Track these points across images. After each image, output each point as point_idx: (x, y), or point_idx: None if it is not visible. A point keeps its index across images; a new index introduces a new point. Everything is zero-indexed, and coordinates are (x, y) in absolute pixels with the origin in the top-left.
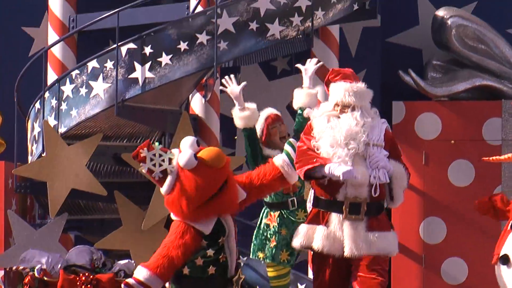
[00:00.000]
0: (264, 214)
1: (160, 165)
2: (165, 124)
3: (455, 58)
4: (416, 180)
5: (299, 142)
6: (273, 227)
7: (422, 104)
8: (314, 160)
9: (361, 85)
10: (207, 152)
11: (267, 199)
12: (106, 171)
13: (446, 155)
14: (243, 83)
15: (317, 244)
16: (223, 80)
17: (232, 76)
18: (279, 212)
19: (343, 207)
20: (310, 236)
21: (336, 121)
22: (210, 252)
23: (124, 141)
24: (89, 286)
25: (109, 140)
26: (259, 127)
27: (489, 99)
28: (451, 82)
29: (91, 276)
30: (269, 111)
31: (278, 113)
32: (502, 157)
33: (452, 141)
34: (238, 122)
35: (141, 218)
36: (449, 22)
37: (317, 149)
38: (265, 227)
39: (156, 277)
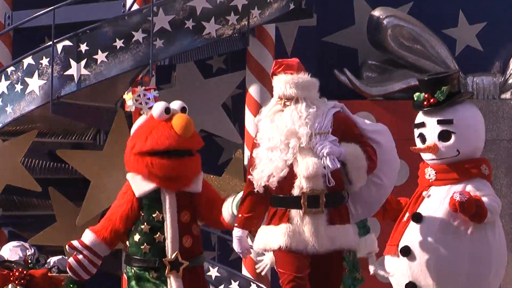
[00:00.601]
0: None
1: (146, 102)
2: (100, 121)
3: (390, 58)
4: None
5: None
6: None
7: (357, 104)
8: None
9: (304, 75)
10: (179, 116)
11: None
12: (41, 167)
13: None
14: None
15: (283, 242)
16: None
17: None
18: None
19: (301, 202)
20: (273, 237)
21: (279, 118)
22: (146, 227)
23: (59, 138)
24: (22, 281)
25: (44, 137)
26: None
27: None
28: (387, 82)
29: (25, 272)
30: None
31: None
32: (422, 146)
33: None
34: None
35: (75, 214)
36: (385, 22)
37: (257, 156)
38: None
39: (100, 241)
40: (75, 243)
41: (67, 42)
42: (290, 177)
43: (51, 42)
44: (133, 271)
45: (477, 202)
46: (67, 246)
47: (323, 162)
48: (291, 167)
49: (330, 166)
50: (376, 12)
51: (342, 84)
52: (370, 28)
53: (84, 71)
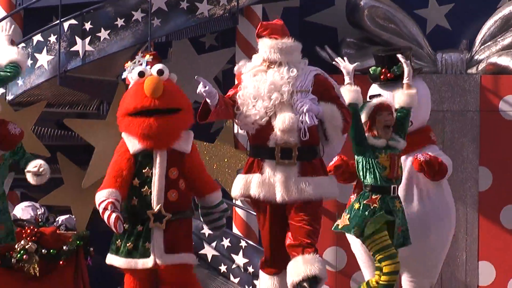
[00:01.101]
0: (363, 195)
1: (140, 64)
2: (103, 93)
3: (367, 36)
4: None
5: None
6: (373, 207)
7: (336, 77)
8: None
9: (287, 40)
10: (149, 79)
11: (367, 181)
12: (49, 135)
13: None
14: (356, 63)
15: (253, 191)
16: (336, 59)
17: (345, 58)
18: (380, 195)
19: (275, 153)
20: (248, 185)
21: (262, 76)
22: (136, 181)
23: (66, 108)
24: (33, 238)
25: (52, 107)
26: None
27: None
28: (363, 58)
29: (35, 229)
30: (382, 99)
31: (390, 103)
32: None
33: None
34: (347, 95)
35: (81, 177)
36: (362, 3)
37: (240, 97)
38: (365, 207)
39: (113, 190)
40: (107, 204)
41: (72, 21)
42: (267, 129)
43: (58, 21)
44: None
45: (438, 160)
46: (102, 209)
47: (302, 118)
48: (269, 120)
49: (308, 122)
50: None
51: (323, 59)
52: (349, 9)
53: (88, 48)
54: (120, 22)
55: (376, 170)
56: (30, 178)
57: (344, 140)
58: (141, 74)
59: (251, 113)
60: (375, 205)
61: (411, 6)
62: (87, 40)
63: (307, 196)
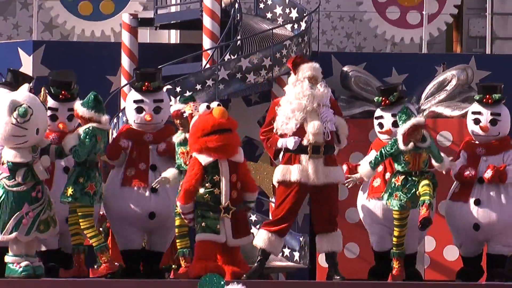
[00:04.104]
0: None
1: (196, 108)
2: None
3: (353, 95)
4: None
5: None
6: (395, 183)
7: None
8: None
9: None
10: (216, 108)
11: (399, 167)
12: None
13: None
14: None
15: (295, 177)
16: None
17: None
18: (404, 176)
19: (308, 149)
20: (287, 172)
21: (302, 88)
22: (208, 184)
23: None
24: None
25: None
26: None
27: (371, 117)
28: (351, 108)
29: None
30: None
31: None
32: (382, 130)
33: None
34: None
35: None
36: (350, 74)
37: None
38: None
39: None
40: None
41: (168, 86)
42: (301, 132)
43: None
44: (199, 212)
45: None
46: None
47: (325, 124)
48: (302, 125)
49: (330, 128)
50: (345, 68)
51: None
52: (341, 77)
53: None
54: (198, 86)
55: None
56: None
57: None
58: (208, 107)
59: (290, 122)
60: (398, 183)
61: (381, 75)
62: (178, 98)
63: (331, 180)
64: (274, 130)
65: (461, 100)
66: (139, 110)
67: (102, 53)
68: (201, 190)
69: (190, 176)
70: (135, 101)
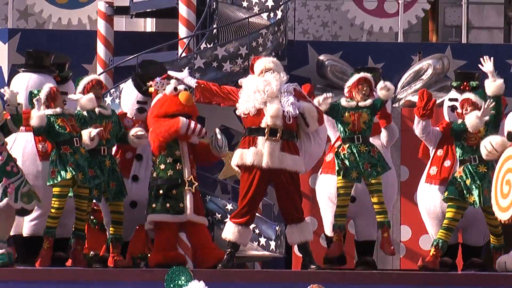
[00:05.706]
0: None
1: (162, 85)
2: None
3: (329, 83)
4: None
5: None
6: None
7: None
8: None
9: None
10: (183, 92)
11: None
12: None
13: None
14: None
15: (250, 159)
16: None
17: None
18: (348, 145)
19: (265, 132)
20: (244, 156)
21: (260, 77)
22: (170, 159)
23: None
24: None
25: None
26: None
27: None
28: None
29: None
30: None
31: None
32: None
33: None
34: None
35: None
36: (326, 62)
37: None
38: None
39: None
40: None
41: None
42: (260, 115)
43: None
44: (161, 192)
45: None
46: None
47: (287, 108)
48: (262, 110)
49: (292, 112)
50: (321, 57)
51: None
52: (318, 66)
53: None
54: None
55: None
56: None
57: (326, 135)
58: (176, 89)
59: (250, 103)
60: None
61: (357, 64)
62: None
63: (284, 166)
64: (235, 111)
65: (437, 89)
66: (141, 111)
67: (77, 41)
68: (162, 166)
69: (167, 129)
70: (138, 102)
